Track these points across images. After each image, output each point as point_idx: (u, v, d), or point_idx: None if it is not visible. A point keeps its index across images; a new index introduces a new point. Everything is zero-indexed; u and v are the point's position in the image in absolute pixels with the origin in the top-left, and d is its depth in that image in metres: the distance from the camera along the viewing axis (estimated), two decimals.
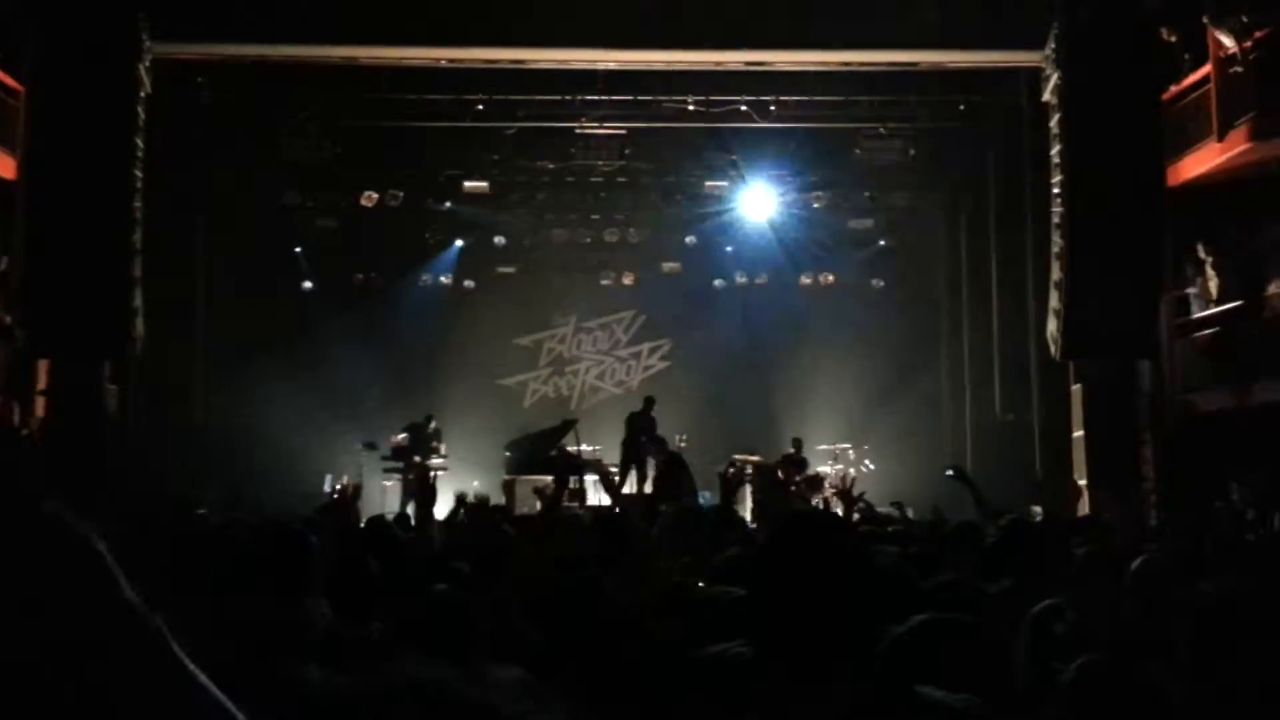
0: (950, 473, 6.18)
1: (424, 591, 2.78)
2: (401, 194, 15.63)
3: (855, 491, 5.96)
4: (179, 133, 12.89)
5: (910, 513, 8.35)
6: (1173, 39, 11.67)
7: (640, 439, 14.34)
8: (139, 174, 11.06)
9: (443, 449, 14.69)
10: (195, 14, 11.39)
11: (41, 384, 11.13)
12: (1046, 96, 11.85)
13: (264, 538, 2.79)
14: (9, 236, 10.92)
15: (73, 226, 10.61)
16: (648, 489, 13.24)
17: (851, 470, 14.73)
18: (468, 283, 16.97)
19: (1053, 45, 11.60)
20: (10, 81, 10.93)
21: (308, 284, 16.48)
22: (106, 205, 10.79)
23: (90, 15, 10.85)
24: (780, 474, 14.06)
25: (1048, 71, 11.80)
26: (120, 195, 10.87)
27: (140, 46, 11.08)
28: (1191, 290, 11.87)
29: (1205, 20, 10.82)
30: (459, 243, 16.78)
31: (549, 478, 14.45)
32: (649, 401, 14.77)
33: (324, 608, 2.69)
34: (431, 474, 12.54)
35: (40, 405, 11.06)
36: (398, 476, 14.09)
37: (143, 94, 11.14)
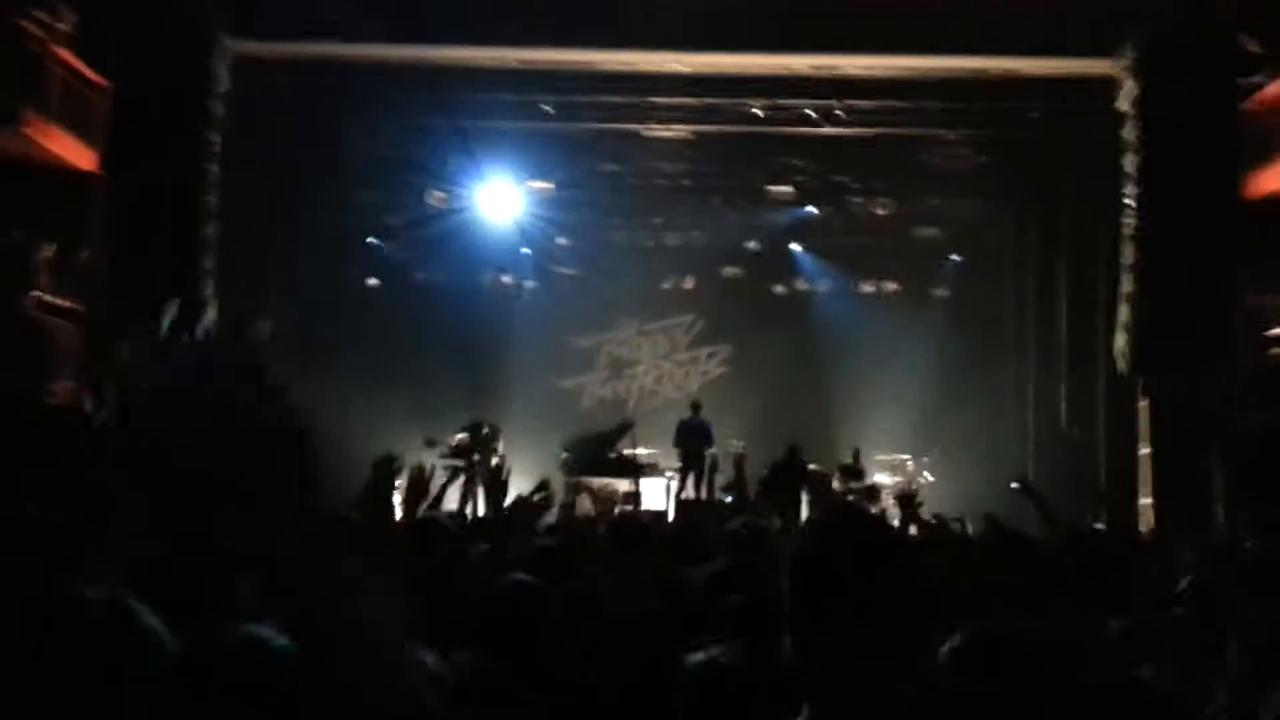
0: (1016, 485, 6.07)
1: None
2: (469, 194, 15.79)
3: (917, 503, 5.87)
4: (254, 128, 13.14)
5: (970, 528, 8.24)
6: (1254, 48, 11.39)
7: (696, 443, 14.38)
8: (214, 169, 11.32)
9: (500, 449, 14.80)
10: (274, 13, 11.62)
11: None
12: (1121, 105, 11.63)
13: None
14: (88, 228, 11.24)
15: (149, 219, 10.90)
16: (702, 494, 13.24)
17: (912, 483, 14.60)
18: (529, 283, 17.08)
19: (1129, 53, 11.38)
20: (94, 76, 11.25)
21: (373, 280, 16.71)
22: (182, 199, 11.07)
23: (172, 14, 11.14)
24: (837, 483, 13.97)
25: (1123, 80, 11.58)
26: (195, 189, 11.15)
27: (219, 44, 11.34)
28: (1267, 305, 11.57)
29: None
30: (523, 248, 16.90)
31: (606, 479, 14.60)
32: (696, 406, 14.81)
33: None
34: (504, 472, 12.64)
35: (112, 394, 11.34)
36: (459, 474, 14.20)
37: (221, 90, 11.40)
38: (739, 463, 6.13)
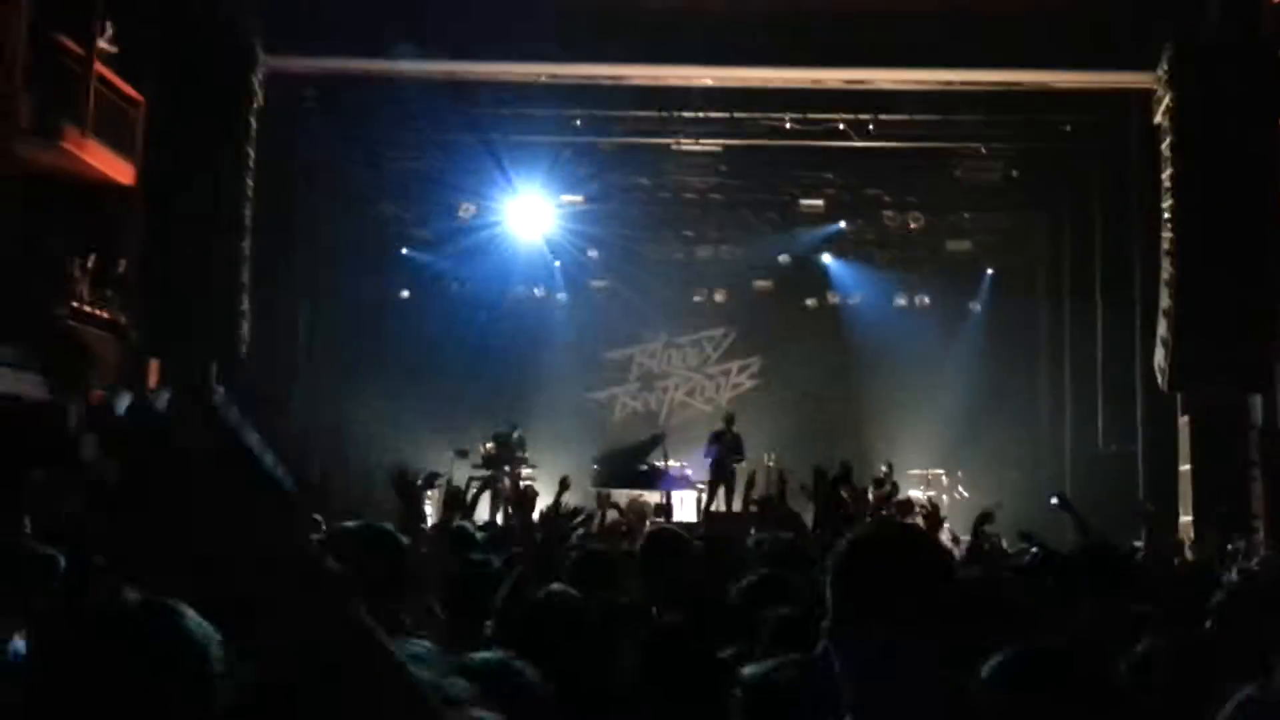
0: (1055, 500, 6.00)
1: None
2: (499, 207, 15.88)
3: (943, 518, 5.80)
4: (289, 143, 13.27)
5: (1005, 542, 8.14)
6: None
7: (727, 456, 14.30)
8: (250, 182, 11.43)
9: (529, 458, 14.81)
10: (306, 29, 11.74)
11: (152, 383, 11.54)
12: (1158, 119, 11.51)
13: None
14: (126, 240, 11.38)
15: (186, 232, 11.03)
16: (736, 506, 13.17)
17: (944, 496, 14.45)
18: (560, 295, 17.11)
19: (1165, 66, 11.26)
20: (131, 91, 11.40)
21: (406, 293, 16.80)
22: (218, 212, 11.20)
23: (207, 29, 11.29)
24: (870, 498, 13.84)
25: (1159, 93, 11.46)
26: (232, 203, 11.27)
27: (254, 59, 11.47)
28: None
29: None
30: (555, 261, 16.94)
31: (637, 491, 14.57)
32: (730, 418, 14.74)
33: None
34: (530, 486, 12.67)
35: None
36: (489, 485, 14.24)
37: (255, 105, 11.52)
38: (782, 477, 6.07)
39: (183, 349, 11.39)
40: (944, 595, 1.66)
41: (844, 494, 4.46)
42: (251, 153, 11.48)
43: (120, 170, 11.30)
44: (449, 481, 4.88)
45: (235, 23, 11.39)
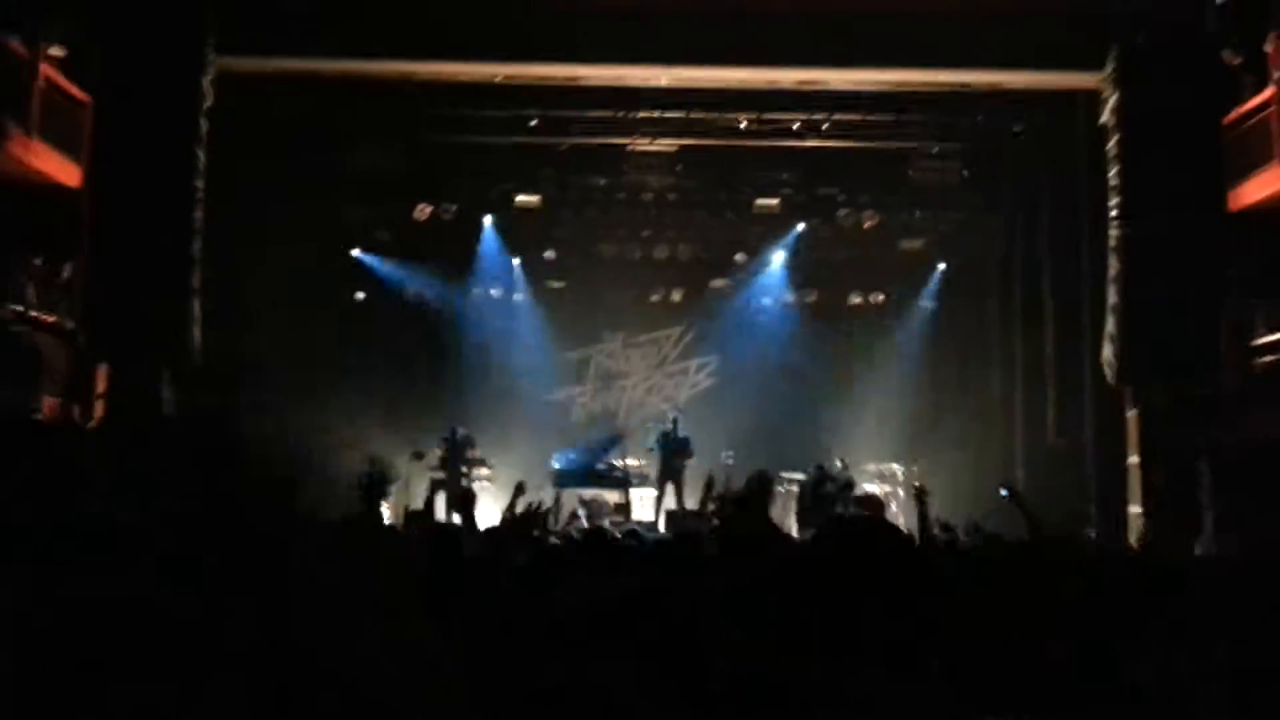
0: (1005, 492, 6.10)
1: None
2: (455, 208, 15.82)
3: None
4: (240, 144, 13.12)
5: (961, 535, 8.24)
6: (1235, 61, 11.50)
7: (674, 455, 14.44)
8: (200, 184, 11.28)
9: (478, 455, 14.76)
10: (258, 29, 11.61)
11: (100, 388, 11.37)
12: (1105, 118, 11.72)
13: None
14: (73, 244, 11.19)
15: (135, 235, 10.85)
16: (690, 504, 13.24)
17: (899, 490, 14.60)
18: (517, 296, 17.07)
19: (1112, 67, 11.47)
20: (76, 92, 11.22)
21: (361, 294, 16.67)
22: (168, 214, 11.03)
23: (156, 29, 11.12)
24: (826, 492, 13.97)
25: (1106, 93, 11.67)
26: (181, 205, 11.10)
27: (204, 60, 11.32)
28: (1253, 315, 11.64)
29: (1269, 43, 10.64)
30: (513, 259, 16.90)
31: (596, 491, 14.59)
32: (674, 420, 14.90)
33: None
34: (470, 489, 12.64)
35: (99, 408, 11.28)
36: (442, 488, 14.19)
37: (206, 106, 11.37)
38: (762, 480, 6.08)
39: (132, 354, 11.22)
40: (916, 588, 1.68)
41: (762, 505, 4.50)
42: (201, 154, 11.32)
43: (67, 172, 11.11)
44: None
45: (187, 24, 11.23)
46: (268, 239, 14.96)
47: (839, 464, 14.24)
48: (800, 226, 16.23)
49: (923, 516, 5.28)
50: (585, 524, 6.74)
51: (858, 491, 13.79)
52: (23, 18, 10.38)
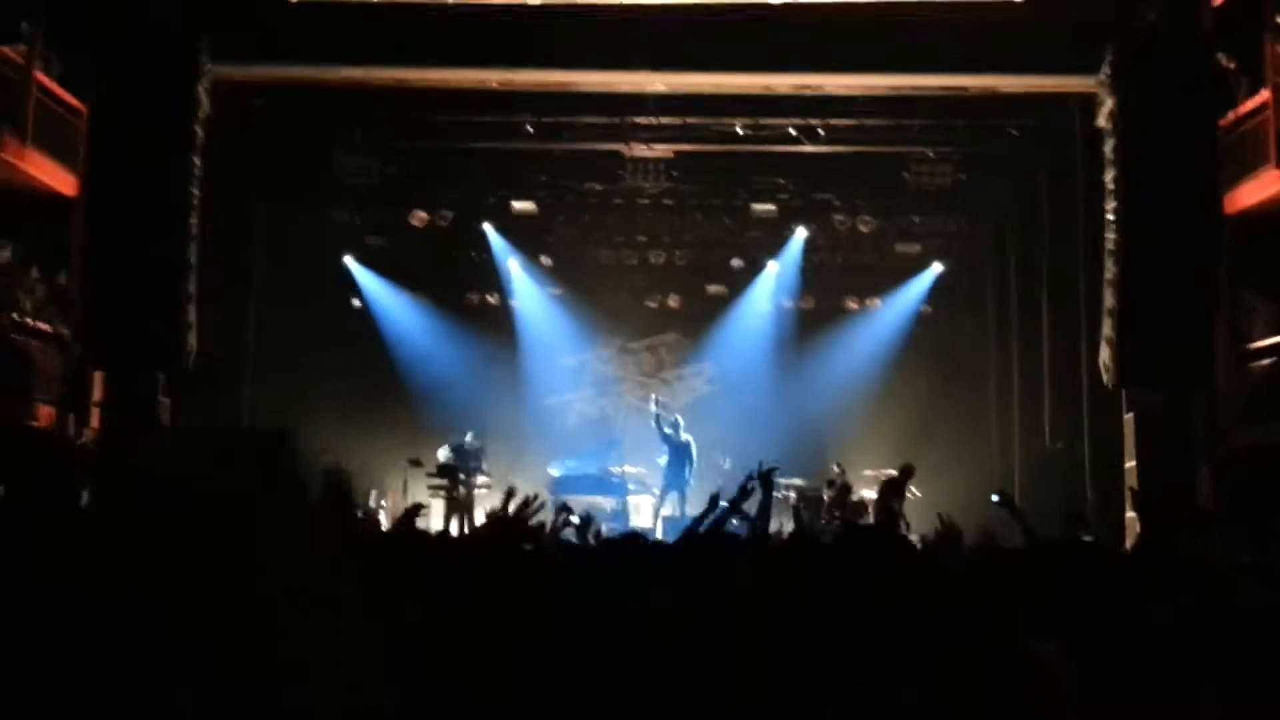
0: (997, 499, 6.09)
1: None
2: (450, 214, 15.82)
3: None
4: (235, 152, 13.12)
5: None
6: (1231, 64, 11.51)
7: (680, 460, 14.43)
8: (196, 192, 11.27)
9: (485, 466, 14.75)
10: (253, 37, 11.61)
11: (96, 396, 11.34)
12: (1100, 121, 11.72)
13: None
14: (69, 252, 11.18)
15: (130, 243, 10.84)
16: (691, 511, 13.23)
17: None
18: (513, 302, 17.07)
19: (1107, 70, 11.47)
20: (72, 100, 11.21)
21: (357, 302, 16.66)
22: (163, 222, 11.01)
23: (151, 37, 11.11)
24: (824, 498, 13.98)
25: (1102, 96, 11.67)
26: (177, 213, 11.08)
27: (200, 68, 11.31)
28: (1250, 318, 11.64)
29: (1267, 43, 10.65)
30: (509, 263, 16.89)
31: (593, 498, 14.57)
32: (675, 425, 14.91)
33: None
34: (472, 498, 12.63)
35: (95, 417, 11.26)
36: (443, 494, 14.16)
37: (201, 114, 11.36)
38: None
39: (128, 361, 11.20)
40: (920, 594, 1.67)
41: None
42: (197, 161, 11.30)
43: (62, 181, 11.10)
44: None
45: (181, 31, 11.21)
46: (262, 247, 14.96)
47: (835, 469, 14.24)
48: (801, 234, 16.22)
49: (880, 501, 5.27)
50: (576, 520, 6.71)
51: (854, 497, 13.79)
52: (15, 25, 10.38)
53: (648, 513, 14.79)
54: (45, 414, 10.87)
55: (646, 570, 3.52)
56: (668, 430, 14.85)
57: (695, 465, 14.72)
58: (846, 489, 13.87)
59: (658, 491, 14.86)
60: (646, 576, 3.48)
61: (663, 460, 14.85)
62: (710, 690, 2.26)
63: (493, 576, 3.50)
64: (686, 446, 14.76)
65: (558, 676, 2.34)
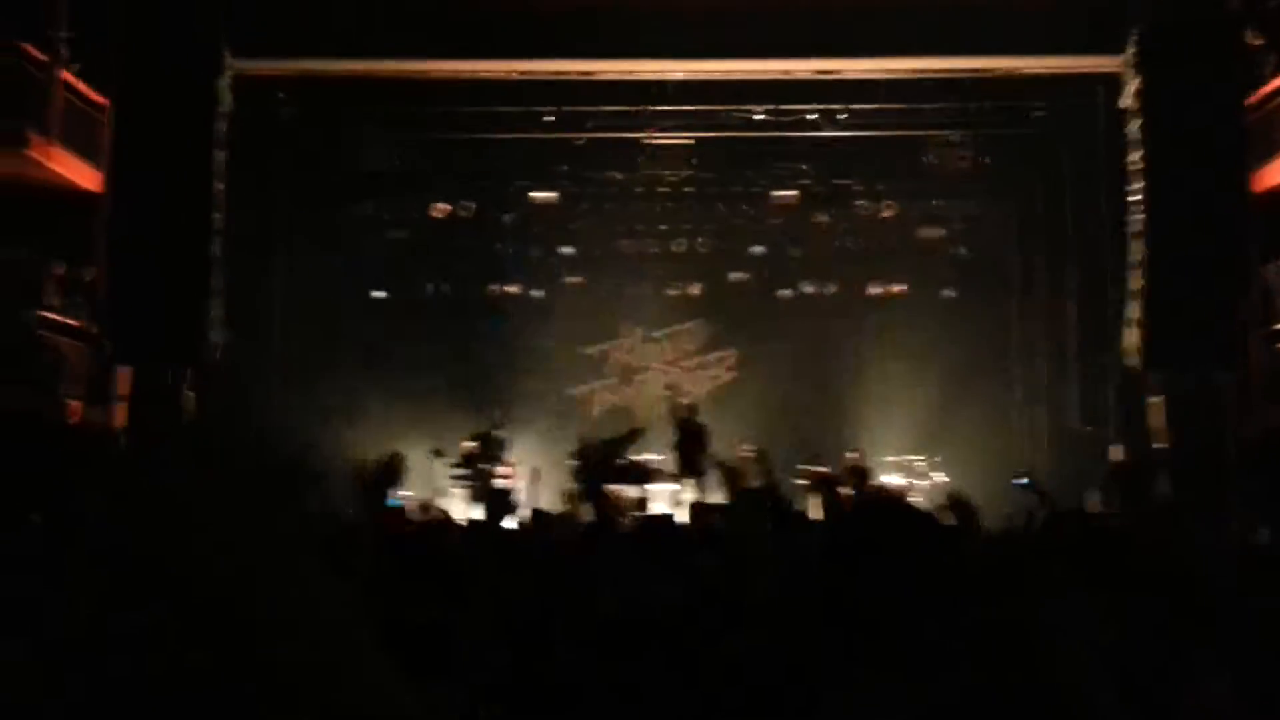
0: (1024, 481, 6.05)
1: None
2: (472, 205, 15.85)
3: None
4: (257, 146, 13.18)
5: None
6: (1257, 42, 11.35)
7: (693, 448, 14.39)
8: (219, 186, 11.35)
9: (509, 458, 14.78)
10: (275, 31, 11.66)
11: (122, 391, 11.45)
12: (1125, 102, 11.59)
13: None
14: (94, 247, 11.28)
15: (155, 238, 10.93)
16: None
17: (923, 481, 14.51)
18: (535, 292, 17.08)
19: (1132, 50, 11.34)
20: (95, 96, 11.29)
21: (379, 293, 16.73)
22: (188, 217, 11.10)
23: (174, 33, 11.18)
24: (846, 485, 13.92)
25: (1126, 76, 11.54)
26: (201, 207, 11.17)
27: (222, 63, 11.37)
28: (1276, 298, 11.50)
29: None
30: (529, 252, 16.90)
31: (616, 486, 14.57)
32: (692, 410, 14.86)
33: None
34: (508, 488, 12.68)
35: (120, 411, 11.38)
36: (466, 485, 14.20)
37: (224, 108, 11.43)
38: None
39: (154, 357, 11.30)
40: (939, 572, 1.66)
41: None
42: (221, 156, 11.38)
43: (87, 177, 11.19)
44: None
45: (203, 27, 11.28)
46: (285, 240, 15.05)
47: (853, 455, 14.18)
48: (813, 212, 16.09)
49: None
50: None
51: (874, 482, 13.73)
52: (39, 22, 10.46)
53: (668, 501, 14.77)
54: (76, 409, 10.99)
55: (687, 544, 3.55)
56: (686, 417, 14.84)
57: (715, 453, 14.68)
58: (864, 474, 13.81)
59: (677, 480, 14.84)
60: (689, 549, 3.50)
61: (681, 448, 14.85)
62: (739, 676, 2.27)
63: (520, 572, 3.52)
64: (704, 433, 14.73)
65: (568, 671, 2.35)
